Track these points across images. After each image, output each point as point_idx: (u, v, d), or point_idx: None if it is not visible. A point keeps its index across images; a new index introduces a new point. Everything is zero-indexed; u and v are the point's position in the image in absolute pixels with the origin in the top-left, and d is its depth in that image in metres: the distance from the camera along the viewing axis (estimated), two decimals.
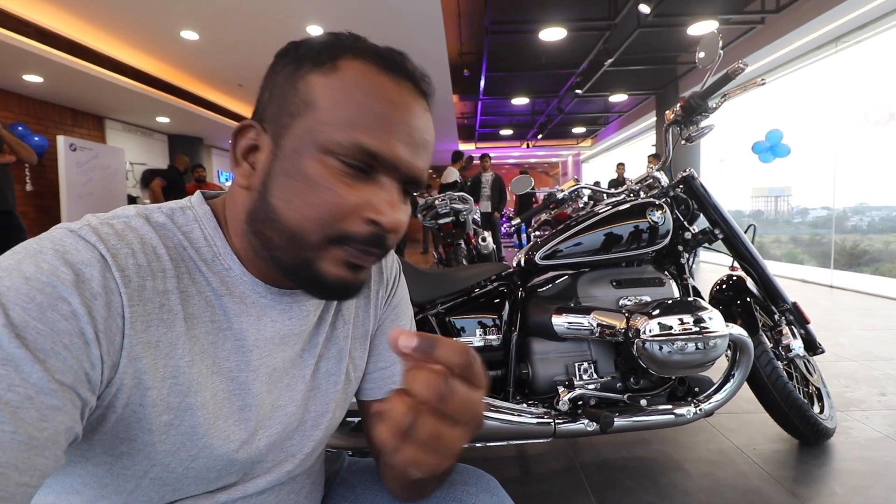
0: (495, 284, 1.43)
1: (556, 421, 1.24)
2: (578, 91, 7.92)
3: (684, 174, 1.51)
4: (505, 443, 1.31)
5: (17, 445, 0.29)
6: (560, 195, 1.62)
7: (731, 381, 1.33)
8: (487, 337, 1.35)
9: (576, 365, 1.31)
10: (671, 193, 1.50)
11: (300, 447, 0.51)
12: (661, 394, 1.34)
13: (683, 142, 1.46)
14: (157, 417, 0.39)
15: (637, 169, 8.90)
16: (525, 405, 1.27)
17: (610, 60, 6.12)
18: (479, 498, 0.55)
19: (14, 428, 0.29)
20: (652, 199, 1.43)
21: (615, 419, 1.23)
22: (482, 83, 7.92)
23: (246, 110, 8.09)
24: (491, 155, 6.52)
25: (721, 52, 1.29)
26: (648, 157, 6.68)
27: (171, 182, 5.56)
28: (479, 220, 4.81)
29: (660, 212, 1.40)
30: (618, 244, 1.38)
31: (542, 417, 1.24)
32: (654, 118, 8.79)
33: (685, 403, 1.31)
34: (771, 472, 1.41)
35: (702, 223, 1.55)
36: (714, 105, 1.40)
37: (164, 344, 0.39)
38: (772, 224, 8.82)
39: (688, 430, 1.68)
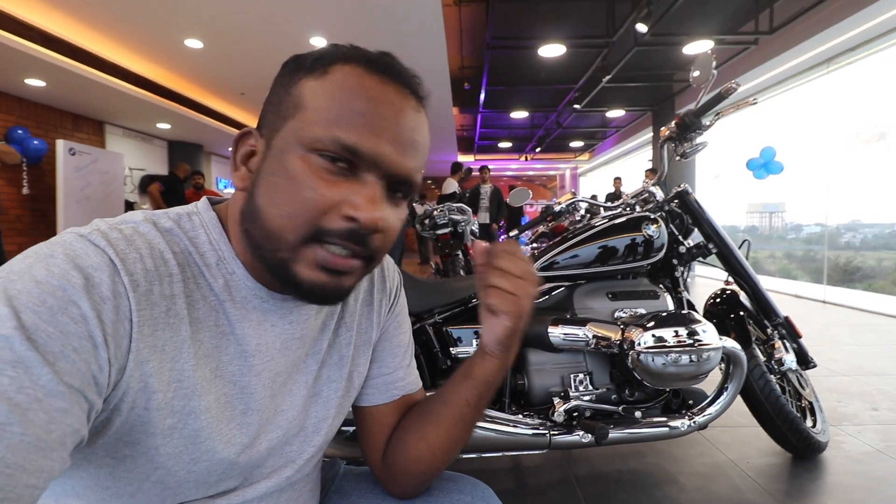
0: None
1: (552, 432, 1.25)
2: (577, 106, 8.02)
3: (679, 189, 1.54)
4: (500, 454, 1.32)
5: (26, 447, 0.29)
6: (557, 208, 1.64)
7: (725, 393, 1.34)
8: None
9: (571, 376, 1.32)
10: (666, 208, 1.52)
11: (300, 452, 0.51)
12: (656, 406, 1.35)
13: (678, 158, 1.49)
14: (161, 421, 0.39)
15: (634, 183, 8.97)
16: (520, 416, 1.27)
17: (608, 77, 6.22)
18: None
19: (23, 429, 0.29)
20: (647, 213, 1.46)
21: (610, 431, 1.23)
22: (482, 96, 8.01)
23: (247, 118, 8.14)
24: (490, 167, 6.58)
25: (715, 71, 1.32)
26: (646, 171, 6.75)
27: (169, 188, 5.56)
28: (476, 231, 4.83)
29: (655, 226, 1.42)
30: (613, 257, 1.40)
31: (538, 428, 1.25)
32: (651, 134, 8.90)
33: (679, 416, 1.32)
34: (764, 486, 1.41)
35: (696, 237, 1.57)
36: (708, 122, 1.44)
37: (170, 348, 0.40)
38: (766, 240, 8.89)
39: (682, 442, 1.68)
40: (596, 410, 1.30)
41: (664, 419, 1.31)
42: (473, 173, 7.56)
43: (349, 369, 0.55)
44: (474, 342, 1.37)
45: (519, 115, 9.56)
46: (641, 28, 4.82)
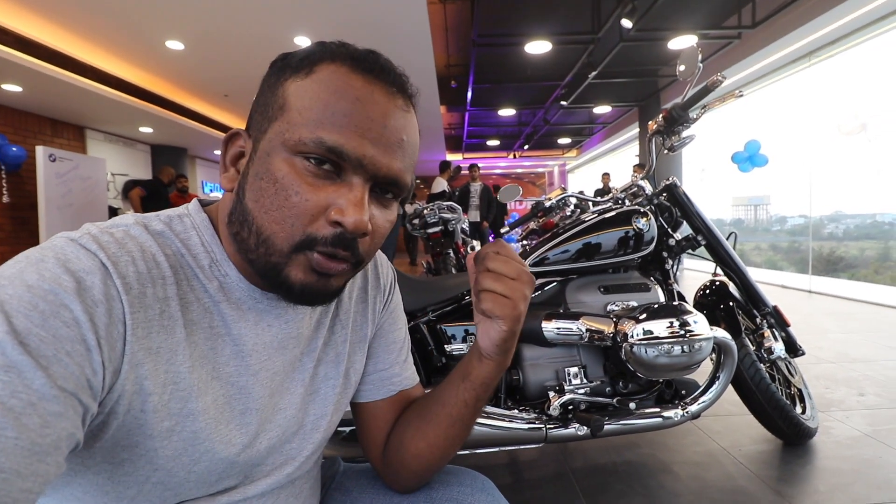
0: None
1: (548, 426, 1.25)
2: (563, 103, 8.06)
3: (667, 182, 1.55)
4: (497, 449, 1.32)
5: (21, 451, 0.29)
6: (547, 204, 1.65)
7: (717, 382, 1.36)
8: None
9: (566, 370, 1.33)
10: (655, 201, 1.54)
11: (300, 450, 0.52)
12: (650, 397, 1.37)
13: (666, 151, 1.51)
14: (158, 423, 0.39)
15: (622, 179, 9.06)
16: (516, 411, 1.28)
17: (594, 73, 6.26)
18: (475, 497, 0.56)
19: (17, 434, 0.29)
20: (637, 207, 1.47)
21: (605, 423, 1.24)
22: (469, 95, 8.02)
23: (231, 120, 8.04)
24: (479, 165, 6.58)
25: (700, 65, 1.34)
26: (634, 166, 6.81)
27: (152, 193, 5.47)
28: (467, 229, 4.84)
29: (644, 219, 1.43)
30: (604, 251, 1.41)
31: (534, 423, 1.25)
32: (638, 129, 8.99)
33: (672, 406, 1.33)
34: (756, 472, 1.44)
35: (685, 230, 1.59)
36: (694, 116, 1.45)
37: (164, 350, 0.40)
38: (752, 232, 9.03)
39: (675, 432, 1.70)
40: (591, 403, 1.31)
41: (658, 410, 1.32)
42: (462, 172, 7.56)
43: (346, 366, 0.55)
44: (468, 339, 1.37)
45: (506, 112, 9.58)
46: (627, 23, 4.86)
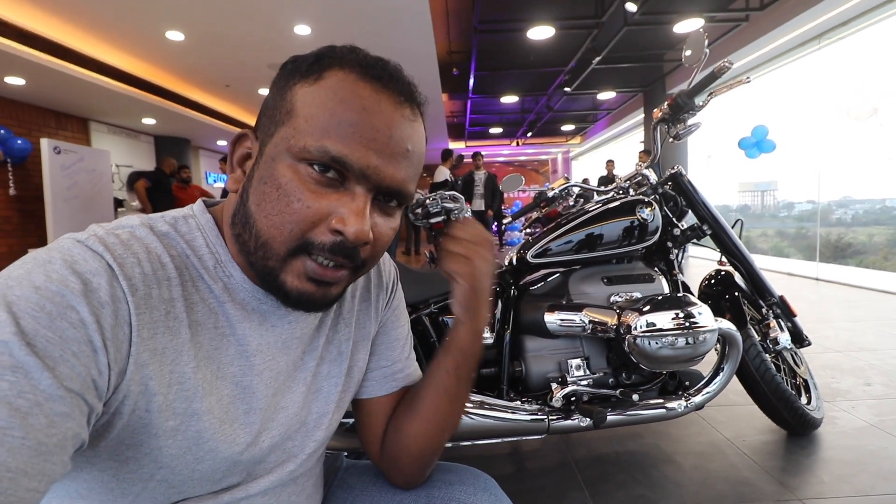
0: None
1: (550, 417, 1.25)
2: (567, 89, 7.96)
3: (672, 171, 1.53)
4: (499, 440, 1.32)
5: (27, 451, 0.29)
6: (551, 193, 1.63)
7: (721, 374, 1.35)
8: None
9: (568, 361, 1.32)
10: (660, 190, 1.52)
11: (302, 447, 0.52)
12: (653, 388, 1.36)
13: (672, 139, 1.48)
14: (163, 423, 0.40)
15: (626, 165, 8.97)
16: (519, 402, 1.28)
17: (598, 58, 6.16)
18: (477, 497, 0.56)
19: (24, 434, 0.29)
20: (641, 197, 1.45)
21: (608, 414, 1.24)
22: (471, 82, 7.92)
23: (233, 111, 8.01)
24: (483, 153, 6.52)
25: (707, 50, 1.30)
26: (640, 153, 6.74)
27: (156, 184, 5.48)
28: (469, 218, 4.81)
29: (649, 209, 1.41)
30: (608, 241, 1.39)
31: (536, 414, 1.25)
32: (643, 115, 8.87)
33: (676, 397, 1.33)
34: (760, 463, 1.43)
35: (690, 219, 1.57)
36: (701, 103, 1.42)
37: (169, 351, 0.40)
38: (758, 218, 8.94)
39: (679, 423, 1.70)
40: (593, 394, 1.30)
41: (661, 401, 1.32)
42: (465, 160, 7.51)
43: (348, 364, 0.56)
44: None
45: (509, 99, 9.47)
46: (631, 7, 4.77)
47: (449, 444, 1.09)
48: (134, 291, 0.38)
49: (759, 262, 1.60)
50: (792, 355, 1.68)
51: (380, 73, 0.42)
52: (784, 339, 1.51)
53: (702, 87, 1.38)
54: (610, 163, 7.70)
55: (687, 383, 1.39)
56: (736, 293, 1.56)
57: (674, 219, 1.51)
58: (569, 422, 1.25)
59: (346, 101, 0.40)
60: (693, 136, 1.48)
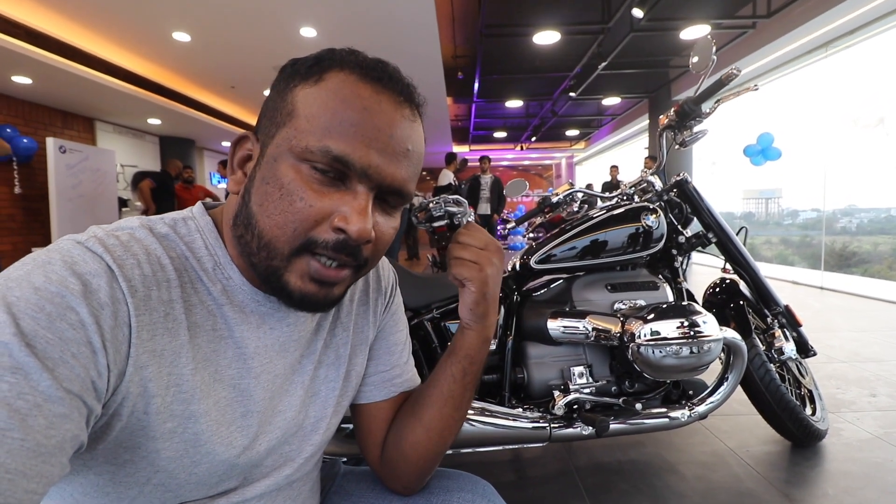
0: None
1: (552, 425, 1.24)
2: (572, 94, 7.96)
3: (678, 178, 1.52)
4: (500, 447, 1.31)
5: (26, 452, 0.29)
6: (555, 199, 1.62)
7: (725, 384, 1.34)
8: None
9: (571, 369, 1.31)
10: (665, 197, 1.51)
11: (299, 451, 0.52)
12: (656, 397, 1.35)
13: (678, 146, 1.47)
14: (161, 425, 0.40)
15: (631, 171, 8.95)
16: (521, 409, 1.27)
17: (603, 64, 6.16)
18: None
19: (23, 435, 0.29)
20: (646, 204, 1.44)
21: (611, 423, 1.23)
22: (476, 86, 7.93)
23: (238, 112, 8.04)
24: (490, 157, 6.51)
25: (714, 57, 1.30)
26: (645, 158, 6.71)
27: (161, 185, 5.50)
28: (472, 222, 4.81)
29: (654, 216, 1.40)
30: (612, 248, 1.38)
31: (538, 422, 1.24)
32: (647, 121, 8.85)
33: (679, 406, 1.31)
34: (764, 474, 1.42)
35: (695, 227, 1.56)
36: (707, 110, 1.41)
37: (168, 352, 0.40)
38: (762, 226, 8.91)
39: (681, 432, 1.68)
40: (596, 403, 1.29)
41: (664, 410, 1.30)
42: (470, 164, 7.50)
43: (346, 368, 0.56)
44: None
45: (514, 104, 9.48)
46: (637, 13, 4.77)
47: (449, 451, 1.08)
48: (133, 293, 0.38)
49: (763, 270, 1.59)
50: (797, 365, 1.66)
51: (380, 74, 0.42)
52: (789, 349, 1.49)
53: (709, 94, 1.37)
54: (614, 168, 7.69)
55: (690, 392, 1.37)
56: (741, 302, 1.54)
57: (679, 226, 1.50)
58: (571, 430, 1.24)
59: (348, 101, 0.40)
60: (698, 143, 1.47)
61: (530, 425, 1.23)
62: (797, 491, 1.33)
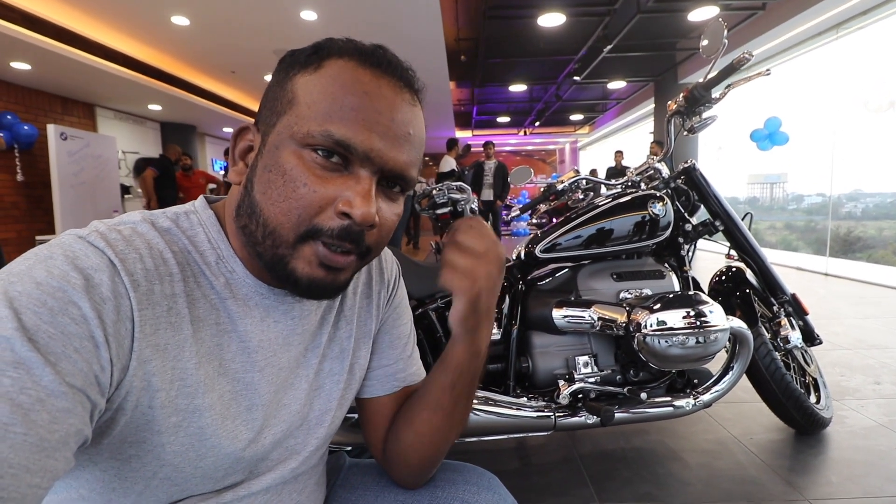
0: None
1: (557, 414, 1.24)
2: (577, 78, 7.84)
3: (686, 165, 1.50)
4: (505, 436, 1.32)
5: (29, 447, 0.29)
6: (560, 186, 1.60)
7: (731, 373, 1.34)
8: None
9: (576, 358, 1.31)
10: (672, 185, 1.49)
11: (304, 444, 0.52)
12: (661, 386, 1.35)
13: (686, 133, 1.44)
14: (165, 419, 0.40)
15: (635, 156, 8.86)
16: (525, 399, 1.27)
17: (609, 47, 6.05)
18: (480, 496, 0.56)
19: (26, 430, 0.29)
20: (653, 191, 1.42)
21: (615, 412, 1.23)
22: (479, 69, 7.81)
23: (239, 97, 7.97)
24: (493, 143, 6.45)
25: (726, 41, 1.26)
26: (651, 143, 6.63)
27: (164, 172, 5.49)
28: (477, 209, 4.79)
29: (661, 204, 1.38)
30: (618, 237, 1.37)
31: (543, 411, 1.25)
32: (653, 105, 8.72)
33: (684, 395, 1.32)
34: (768, 462, 1.42)
35: (702, 214, 1.54)
36: (717, 96, 1.38)
37: (172, 347, 0.40)
38: (767, 211, 8.85)
39: (685, 420, 1.69)
40: (601, 392, 1.29)
41: (669, 399, 1.30)
42: (474, 149, 7.44)
43: (350, 362, 0.55)
44: None
45: (517, 88, 9.34)
46: None
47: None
48: (136, 287, 0.37)
49: (768, 255, 1.57)
50: (802, 353, 1.66)
51: (379, 59, 0.42)
52: (795, 337, 1.48)
53: (719, 80, 1.34)
54: (619, 153, 7.60)
55: (695, 381, 1.37)
56: (747, 290, 1.53)
57: (685, 214, 1.48)
58: (576, 419, 1.24)
59: (348, 86, 0.40)
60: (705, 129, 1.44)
61: (535, 414, 1.24)
62: (801, 479, 1.34)
